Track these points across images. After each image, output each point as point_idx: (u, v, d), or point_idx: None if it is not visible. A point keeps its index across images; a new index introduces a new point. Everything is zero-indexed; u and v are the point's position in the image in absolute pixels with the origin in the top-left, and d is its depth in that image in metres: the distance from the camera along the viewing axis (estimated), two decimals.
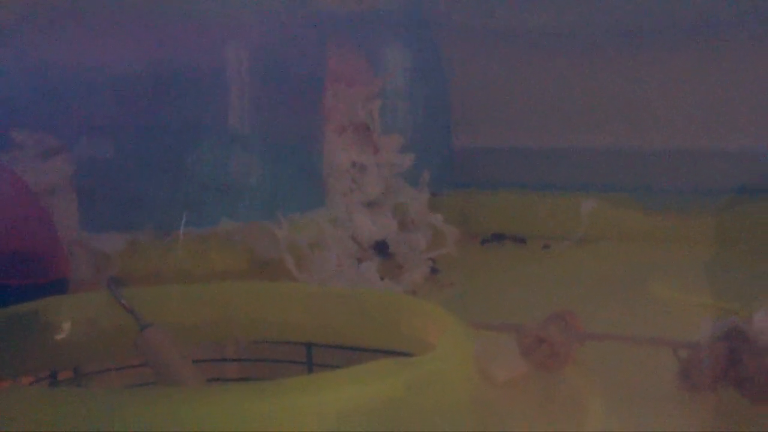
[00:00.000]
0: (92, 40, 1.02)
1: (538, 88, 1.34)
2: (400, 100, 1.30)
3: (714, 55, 1.25)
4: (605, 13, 1.28)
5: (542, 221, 1.28)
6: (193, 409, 0.56)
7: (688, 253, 1.13)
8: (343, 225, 1.16)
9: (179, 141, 1.08)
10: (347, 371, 0.59)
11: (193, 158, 1.09)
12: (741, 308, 0.84)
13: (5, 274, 0.90)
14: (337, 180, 1.19)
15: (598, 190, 1.28)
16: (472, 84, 1.35)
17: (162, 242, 1.06)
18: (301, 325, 0.81)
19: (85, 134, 1.06)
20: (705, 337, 0.69)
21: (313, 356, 0.84)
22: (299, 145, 1.16)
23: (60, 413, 0.55)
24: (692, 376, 0.68)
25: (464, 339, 0.68)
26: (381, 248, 1.18)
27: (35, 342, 0.80)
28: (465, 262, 1.19)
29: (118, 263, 1.03)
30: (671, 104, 1.27)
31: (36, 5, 1.02)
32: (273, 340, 0.82)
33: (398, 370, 0.59)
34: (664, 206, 1.23)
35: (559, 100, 1.33)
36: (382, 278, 1.09)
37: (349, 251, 1.14)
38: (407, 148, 1.26)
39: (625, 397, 0.70)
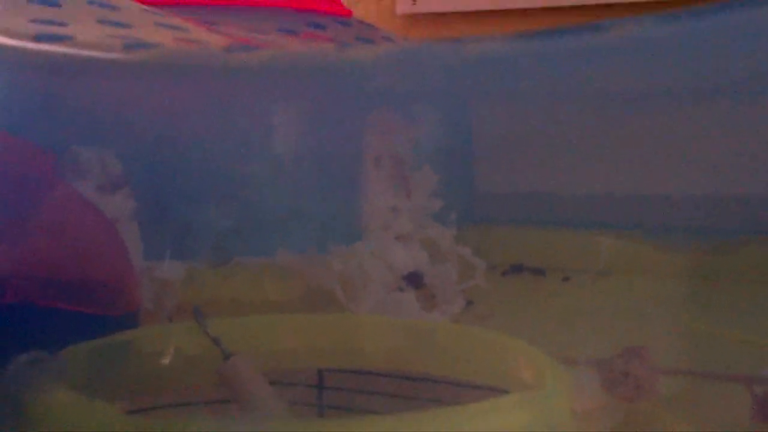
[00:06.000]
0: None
1: (553, 140, 1.41)
2: (428, 151, 1.36)
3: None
4: (621, 75, 1.35)
5: (560, 255, 1.34)
6: None
7: (710, 289, 1.20)
8: (381, 257, 1.21)
9: (233, 174, 1.13)
10: (486, 404, 0.65)
11: (244, 190, 1.13)
12: None
13: (82, 302, 0.93)
14: (374, 217, 1.24)
15: (612, 228, 1.35)
16: (493, 138, 1.41)
17: (218, 271, 1.10)
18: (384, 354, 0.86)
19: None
20: None
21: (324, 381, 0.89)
22: (342, 181, 1.22)
23: None
24: None
25: (564, 372, 0.74)
26: (414, 278, 1.24)
27: (127, 371, 0.84)
28: (493, 293, 1.25)
29: (178, 292, 1.07)
30: (681, 152, 1.35)
31: None
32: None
33: (532, 404, 0.65)
34: (677, 244, 1.30)
35: (572, 149, 1.40)
36: (423, 309, 1.15)
37: (388, 282, 1.19)
38: (434, 193, 1.32)
39: (705, 426, 0.77)
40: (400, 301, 1.16)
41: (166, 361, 0.84)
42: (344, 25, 1.26)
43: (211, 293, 1.09)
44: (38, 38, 0.91)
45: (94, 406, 0.64)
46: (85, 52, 0.92)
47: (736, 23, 1.02)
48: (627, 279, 1.29)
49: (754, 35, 1.02)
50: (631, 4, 1.86)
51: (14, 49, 0.89)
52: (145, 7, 1.04)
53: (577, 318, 1.13)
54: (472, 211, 1.42)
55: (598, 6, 1.89)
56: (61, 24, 0.98)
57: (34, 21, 0.96)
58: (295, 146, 1.14)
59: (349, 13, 1.33)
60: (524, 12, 1.94)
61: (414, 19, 2.12)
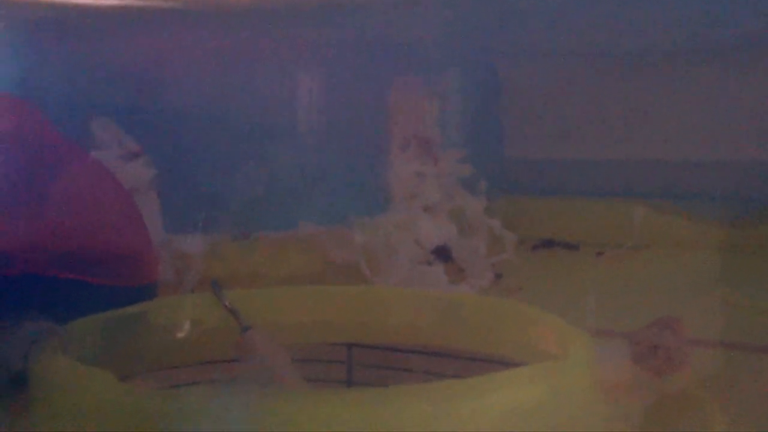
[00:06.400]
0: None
1: (585, 103, 1.37)
2: (456, 116, 1.34)
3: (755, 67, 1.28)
4: (649, 35, 1.31)
5: (594, 228, 1.31)
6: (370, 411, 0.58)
7: (740, 261, 1.16)
8: (408, 229, 1.19)
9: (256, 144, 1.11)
10: (503, 375, 0.62)
11: (268, 162, 1.11)
12: None
13: (97, 273, 0.91)
14: (400, 187, 1.21)
15: (645, 198, 1.32)
16: (523, 101, 1.38)
17: (240, 244, 1.08)
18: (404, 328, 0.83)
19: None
20: None
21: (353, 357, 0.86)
22: (368, 153, 1.19)
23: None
24: None
25: (591, 345, 0.71)
26: (442, 252, 1.21)
27: (144, 343, 0.82)
28: (523, 267, 1.22)
29: (200, 265, 1.05)
30: (716, 117, 1.31)
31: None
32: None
33: (548, 376, 0.62)
34: (709, 215, 1.27)
35: (604, 115, 1.37)
36: (451, 283, 1.12)
37: (415, 255, 1.16)
38: (463, 160, 1.29)
39: (738, 403, 0.73)
40: (429, 274, 1.13)
41: (181, 333, 0.81)
42: None
43: (232, 266, 1.07)
44: None
45: (93, 375, 0.62)
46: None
47: None
48: (661, 252, 1.25)
49: None
50: None
51: None
52: None
53: (610, 292, 1.10)
54: (502, 180, 1.39)
55: None
56: None
57: None
58: (309, 101, 1.12)
59: None
60: None
61: None
